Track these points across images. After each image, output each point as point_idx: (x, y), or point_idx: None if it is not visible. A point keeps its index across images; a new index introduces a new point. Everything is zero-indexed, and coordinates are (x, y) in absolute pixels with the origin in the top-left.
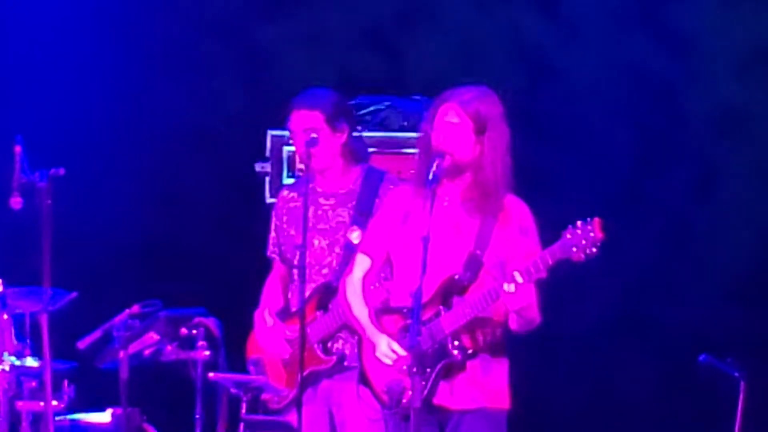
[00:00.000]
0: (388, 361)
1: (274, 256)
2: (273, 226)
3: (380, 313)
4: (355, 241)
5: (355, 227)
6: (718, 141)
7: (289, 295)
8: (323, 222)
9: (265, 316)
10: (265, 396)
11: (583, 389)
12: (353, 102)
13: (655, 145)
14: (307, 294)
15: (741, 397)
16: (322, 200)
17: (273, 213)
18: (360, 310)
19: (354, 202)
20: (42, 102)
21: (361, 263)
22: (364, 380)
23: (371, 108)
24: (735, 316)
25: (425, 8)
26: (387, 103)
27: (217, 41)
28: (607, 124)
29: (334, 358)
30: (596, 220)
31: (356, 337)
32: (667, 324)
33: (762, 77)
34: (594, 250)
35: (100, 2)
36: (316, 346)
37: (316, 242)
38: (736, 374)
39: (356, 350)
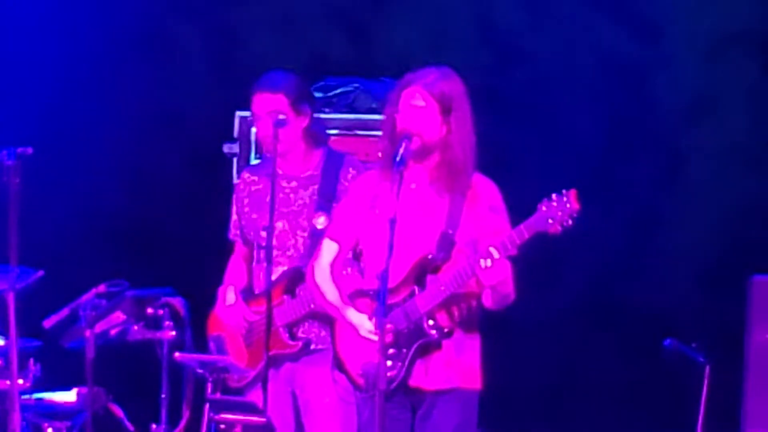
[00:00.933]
0: (375, 338)
1: (236, 238)
2: (234, 209)
3: (351, 297)
4: (320, 227)
5: (320, 213)
6: (687, 127)
7: (253, 277)
8: (285, 205)
9: (227, 293)
10: (225, 374)
11: (550, 372)
12: (321, 84)
13: (624, 130)
14: (274, 277)
15: (705, 382)
16: (284, 183)
17: (234, 196)
18: (333, 294)
19: (316, 186)
20: (9, 80)
21: (329, 249)
22: (338, 365)
23: (339, 90)
24: (701, 301)
25: None
26: (355, 85)
27: (186, 22)
28: (576, 109)
29: (300, 343)
30: (572, 191)
31: (318, 323)
32: (634, 308)
33: (731, 63)
34: (570, 221)
35: None
36: (281, 330)
37: (279, 225)
38: (701, 359)
39: (322, 334)
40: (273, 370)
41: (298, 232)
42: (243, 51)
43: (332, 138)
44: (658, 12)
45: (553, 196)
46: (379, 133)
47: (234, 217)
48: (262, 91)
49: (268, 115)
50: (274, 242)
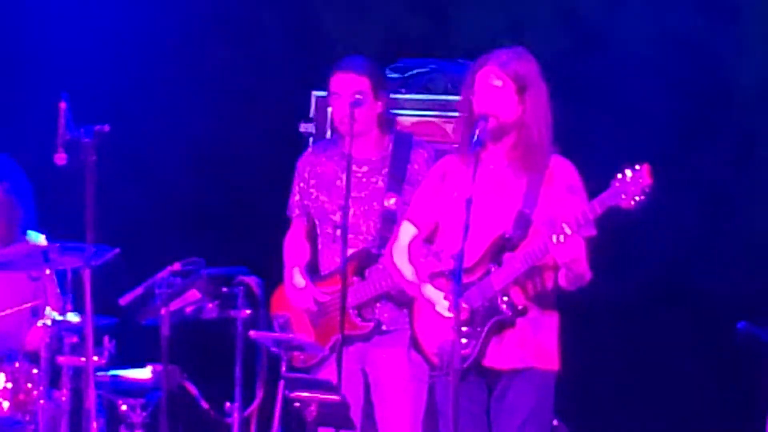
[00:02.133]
0: (449, 314)
1: (296, 216)
2: (297, 188)
3: (429, 278)
4: (392, 208)
5: (391, 194)
6: (761, 111)
7: (320, 257)
8: (356, 190)
9: (294, 274)
10: (294, 353)
11: (623, 357)
12: (397, 65)
13: (699, 113)
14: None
15: None
16: (354, 167)
17: (296, 173)
18: (411, 273)
19: (387, 169)
20: (88, 59)
21: (407, 231)
22: (415, 345)
23: (415, 71)
24: None
25: None
26: (432, 66)
27: (262, 2)
28: (649, 93)
29: (371, 324)
30: (645, 165)
31: (390, 305)
32: (708, 291)
33: None
34: (643, 196)
35: None
36: (351, 311)
37: (351, 211)
38: None
39: (395, 316)
40: (344, 348)
41: (371, 216)
42: (319, 31)
43: (409, 119)
44: None
45: (627, 170)
46: (456, 114)
47: (296, 196)
48: (347, 71)
49: (350, 96)
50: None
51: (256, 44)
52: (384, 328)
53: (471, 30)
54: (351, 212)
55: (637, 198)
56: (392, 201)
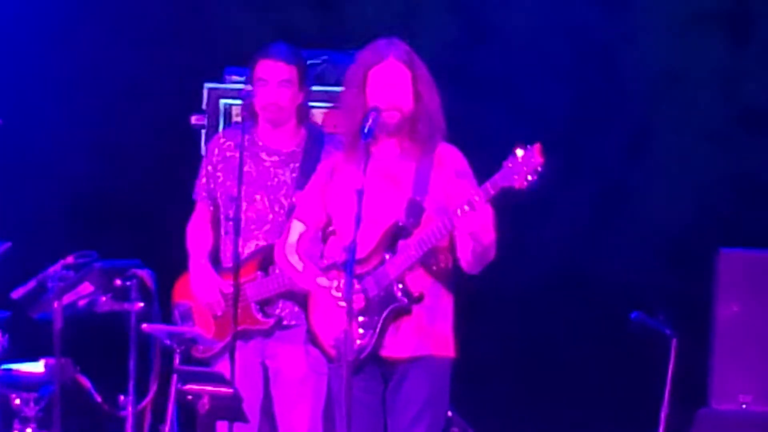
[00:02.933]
0: (344, 304)
1: (201, 200)
2: (204, 171)
3: (323, 271)
4: None
5: (300, 192)
6: (654, 101)
7: (221, 245)
8: (265, 179)
9: (197, 262)
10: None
11: (518, 345)
12: None
13: (591, 104)
14: (249, 251)
15: (672, 355)
16: (264, 155)
17: (204, 158)
18: (303, 265)
19: (298, 164)
20: None
21: (296, 229)
22: (312, 338)
23: (308, 62)
24: (669, 274)
25: None
26: (324, 58)
27: None
28: (542, 82)
29: (272, 320)
30: (537, 145)
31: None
32: (600, 281)
33: (699, 38)
34: (535, 176)
35: None
36: (253, 305)
37: (257, 197)
38: (668, 332)
39: (296, 311)
40: (242, 342)
41: (276, 207)
42: (212, 22)
43: None
44: None
45: (518, 150)
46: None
47: (203, 179)
48: (276, 59)
49: (278, 84)
50: (251, 214)
51: (149, 35)
52: (285, 323)
53: (363, 21)
54: (258, 199)
55: (529, 177)
56: None
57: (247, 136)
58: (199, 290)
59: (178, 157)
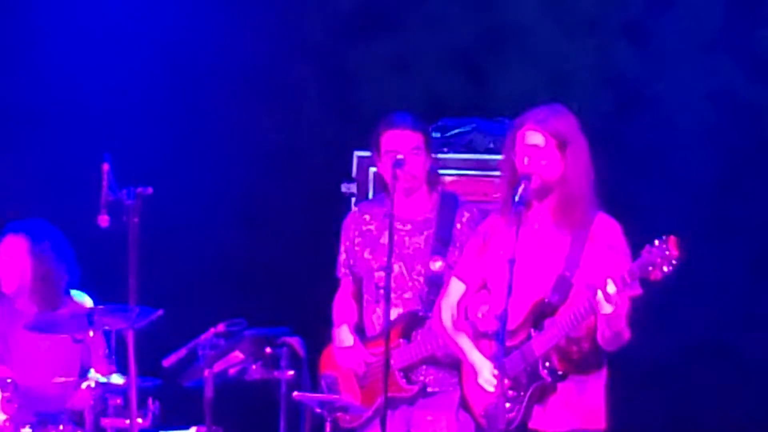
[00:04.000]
0: (491, 388)
1: (344, 276)
2: (343, 248)
3: (475, 338)
4: (438, 272)
5: (437, 257)
6: None
7: (365, 317)
8: (400, 247)
9: (342, 333)
10: (339, 414)
11: (664, 417)
12: (438, 124)
13: (742, 171)
14: (391, 319)
15: None
16: (398, 225)
17: (342, 233)
18: (460, 336)
19: (432, 230)
20: (130, 120)
21: (456, 288)
22: (464, 404)
23: (457, 130)
24: None
25: (512, 31)
26: (473, 125)
27: (305, 62)
28: (693, 150)
29: (416, 387)
30: (672, 238)
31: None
32: (750, 352)
33: None
34: (670, 268)
35: (191, 23)
36: (397, 373)
37: (396, 267)
38: None
39: (440, 377)
40: (389, 411)
41: (414, 275)
42: (360, 92)
43: (450, 178)
44: None
45: (655, 242)
46: (497, 173)
47: (342, 255)
48: (403, 129)
49: (411, 152)
50: (392, 284)
51: (299, 104)
52: (429, 389)
53: (511, 89)
54: (396, 269)
55: (665, 269)
56: (438, 264)
57: (382, 209)
58: (342, 358)
59: (328, 224)
